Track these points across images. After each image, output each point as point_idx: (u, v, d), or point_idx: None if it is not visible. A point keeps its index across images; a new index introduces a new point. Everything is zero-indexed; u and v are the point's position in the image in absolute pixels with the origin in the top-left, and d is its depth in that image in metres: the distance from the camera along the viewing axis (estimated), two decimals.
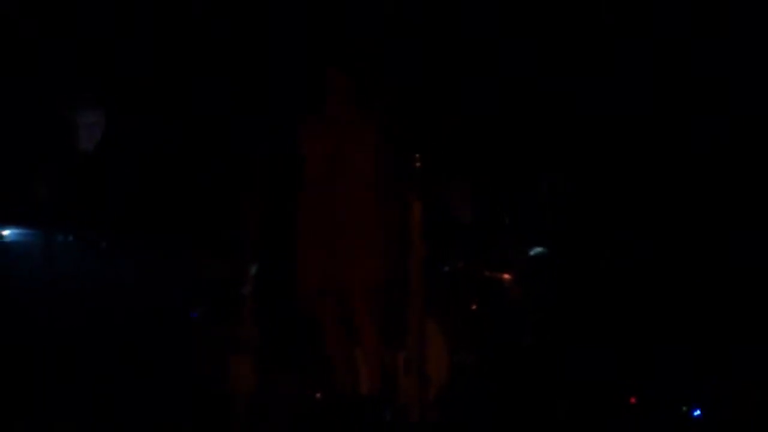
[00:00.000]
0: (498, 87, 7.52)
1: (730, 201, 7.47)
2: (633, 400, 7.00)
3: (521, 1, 7.38)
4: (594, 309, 7.40)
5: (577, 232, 7.72)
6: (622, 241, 7.62)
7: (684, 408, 6.94)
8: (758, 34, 7.14)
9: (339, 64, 6.54)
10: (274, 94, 7.06)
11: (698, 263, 7.45)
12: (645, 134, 7.55)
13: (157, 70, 7.30)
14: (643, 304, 7.39)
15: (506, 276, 7.41)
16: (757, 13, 7.12)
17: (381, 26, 7.03)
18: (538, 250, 7.59)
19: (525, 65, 7.41)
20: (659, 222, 7.61)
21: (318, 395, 6.87)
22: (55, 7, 7.07)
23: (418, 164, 6.30)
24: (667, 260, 7.54)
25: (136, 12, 7.13)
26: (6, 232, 7.06)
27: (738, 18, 7.16)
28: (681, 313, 7.30)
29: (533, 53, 7.39)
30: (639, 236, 7.62)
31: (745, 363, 6.99)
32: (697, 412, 6.93)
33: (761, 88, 7.19)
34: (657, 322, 7.30)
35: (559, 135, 7.63)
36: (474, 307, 7.29)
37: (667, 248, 7.59)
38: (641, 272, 7.52)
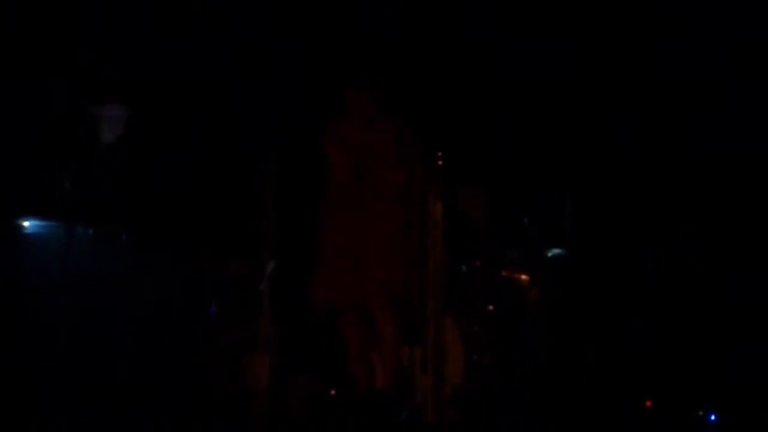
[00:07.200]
0: (514, 90, 7.52)
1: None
2: (649, 403, 7.00)
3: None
4: (610, 309, 7.40)
5: (593, 232, 7.72)
6: (639, 241, 7.62)
7: (700, 412, 6.94)
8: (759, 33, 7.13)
9: (358, 73, 6.57)
10: (299, 100, 7.07)
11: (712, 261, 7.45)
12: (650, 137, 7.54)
13: (182, 74, 7.31)
14: (659, 304, 7.39)
15: (524, 276, 7.41)
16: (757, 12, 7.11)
17: (396, 34, 7.03)
18: (555, 251, 7.59)
19: (537, 69, 7.40)
20: (675, 221, 7.60)
21: (333, 392, 6.87)
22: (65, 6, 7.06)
23: (440, 163, 6.33)
24: (682, 260, 7.54)
25: (165, 10, 7.14)
26: (27, 224, 7.08)
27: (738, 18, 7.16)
28: (696, 314, 7.30)
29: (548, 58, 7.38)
30: (654, 237, 7.61)
31: (758, 365, 6.99)
32: (713, 417, 6.93)
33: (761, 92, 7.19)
34: (673, 324, 7.30)
35: (573, 135, 7.63)
36: (491, 307, 7.29)
37: (681, 248, 7.59)
38: (657, 272, 7.52)
